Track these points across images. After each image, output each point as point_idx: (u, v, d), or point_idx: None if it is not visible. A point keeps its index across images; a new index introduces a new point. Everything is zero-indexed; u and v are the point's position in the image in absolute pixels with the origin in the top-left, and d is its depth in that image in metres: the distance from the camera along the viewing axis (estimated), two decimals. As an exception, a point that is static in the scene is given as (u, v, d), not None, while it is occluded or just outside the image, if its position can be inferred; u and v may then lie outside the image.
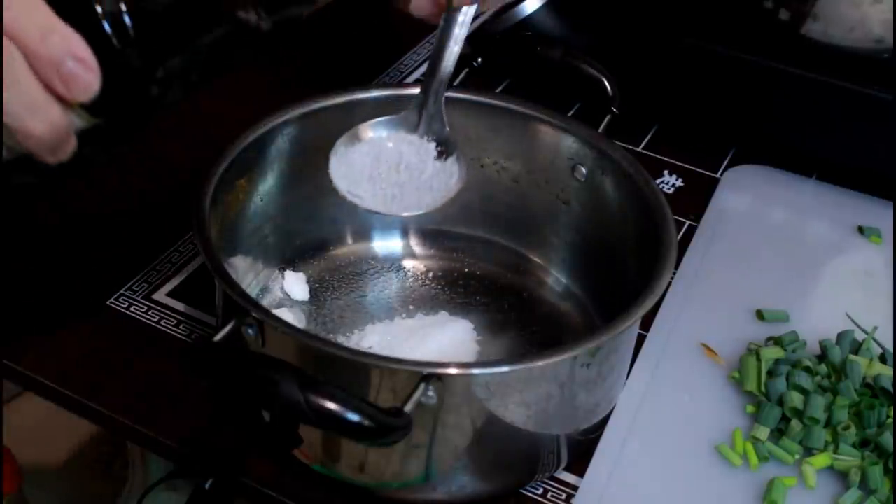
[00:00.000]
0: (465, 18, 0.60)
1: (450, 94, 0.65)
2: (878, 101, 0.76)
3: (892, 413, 0.59)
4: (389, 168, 0.61)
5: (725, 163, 0.84)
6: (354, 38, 0.97)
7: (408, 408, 0.46)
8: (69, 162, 0.45)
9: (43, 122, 0.42)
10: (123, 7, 0.43)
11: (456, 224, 0.70)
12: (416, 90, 0.65)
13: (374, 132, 0.62)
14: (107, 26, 0.42)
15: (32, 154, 0.43)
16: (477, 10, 0.61)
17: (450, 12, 0.60)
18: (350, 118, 0.65)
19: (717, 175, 0.83)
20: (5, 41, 0.40)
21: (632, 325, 0.53)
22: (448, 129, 0.62)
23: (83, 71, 0.41)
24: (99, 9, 0.42)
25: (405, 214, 0.61)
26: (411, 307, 0.66)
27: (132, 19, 0.43)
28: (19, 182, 0.71)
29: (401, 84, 0.88)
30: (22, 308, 0.65)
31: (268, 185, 0.63)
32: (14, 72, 0.40)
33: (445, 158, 0.62)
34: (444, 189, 0.61)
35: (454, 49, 0.61)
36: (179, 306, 0.66)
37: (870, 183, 0.81)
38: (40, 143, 0.42)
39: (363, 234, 0.70)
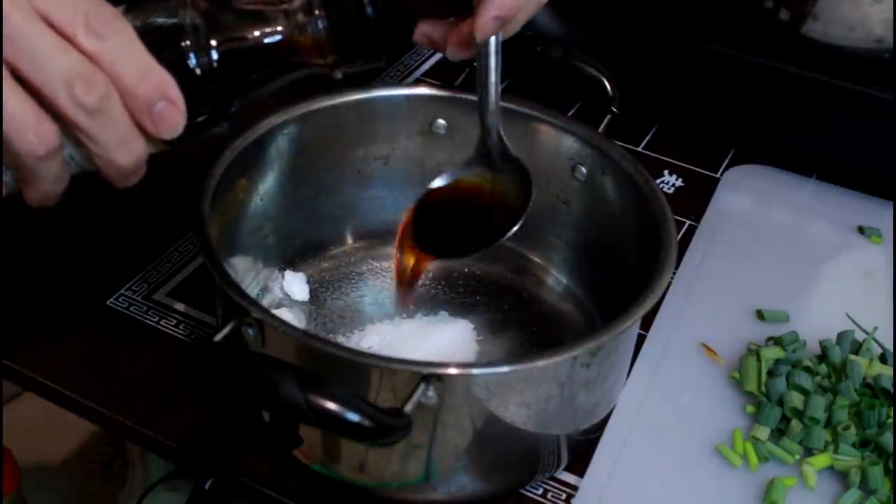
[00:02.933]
0: (495, 47, 0.59)
1: (450, 94, 0.66)
2: (878, 101, 0.76)
3: (892, 413, 0.59)
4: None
5: (725, 163, 0.84)
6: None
7: (408, 408, 0.46)
8: None
9: (128, 154, 0.44)
10: (214, 42, 0.46)
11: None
12: (418, 90, 0.66)
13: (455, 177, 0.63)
14: (193, 58, 0.45)
15: (102, 176, 0.46)
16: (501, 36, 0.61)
17: (481, 45, 0.60)
18: (351, 118, 0.65)
19: (717, 175, 0.83)
20: (105, 77, 0.42)
21: (632, 325, 0.53)
22: (510, 151, 0.61)
23: (172, 112, 0.44)
24: (187, 41, 0.45)
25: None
26: (411, 307, 0.66)
27: (219, 54, 0.46)
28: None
29: (402, 83, 0.88)
30: (22, 308, 0.65)
31: (268, 185, 0.63)
32: (110, 107, 0.42)
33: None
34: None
35: (497, 75, 0.60)
36: (179, 306, 0.66)
37: (870, 183, 0.81)
38: (121, 171, 0.45)
39: (363, 234, 0.70)
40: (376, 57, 0.50)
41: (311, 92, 0.64)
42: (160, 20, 0.45)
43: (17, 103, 0.41)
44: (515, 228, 0.61)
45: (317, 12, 0.47)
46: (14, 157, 0.43)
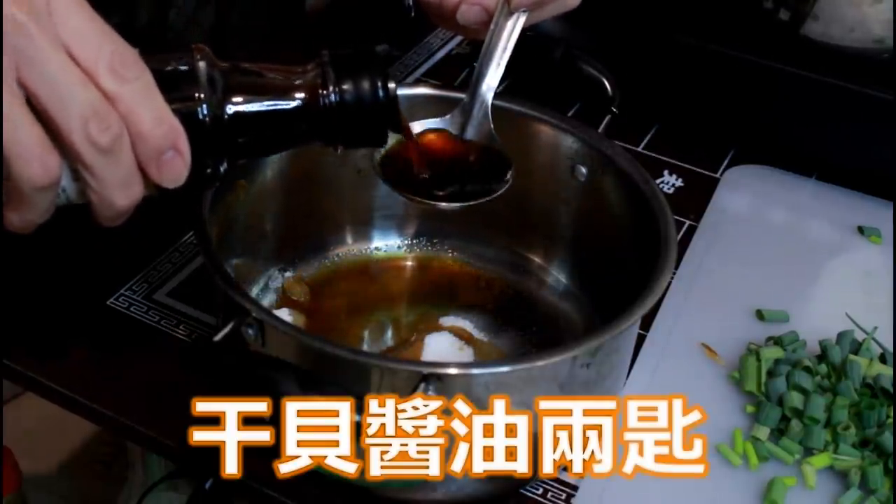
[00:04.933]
0: (516, 25, 0.60)
1: (449, 94, 0.65)
2: (878, 101, 0.76)
3: (892, 413, 0.59)
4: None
5: (725, 163, 0.84)
6: (356, 36, 0.97)
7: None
8: None
9: (126, 196, 0.44)
10: (227, 99, 0.46)
11: (456, 224, 0.70)
12: (418, 90, 0.66)
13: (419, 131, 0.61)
14: (204, 111, 0.45)
15: (90, 211, 0.45)
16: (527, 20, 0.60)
17: (500, 19, 0.60)
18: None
19: (717, 175, 0.83)
20: (120, 119, 0.42)
21: (632, 325, 0.53)
22: (494, 132, 0.61)
23: (178, 163, 0.44)
24: (201, 94, 0.45)
25: (443, 206, 0.60)
26: (411, 307, 0.66)
27: (230, 112, 0.46)
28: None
29: (402, 83, 0.88)
30: (22, 308, 0.65)
31: (268, 184, 0.63)
32: (120, 148, 0.43)
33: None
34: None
35: (503, 56, 0.60)
36: (179, 306, 0.66)
37: (870, 183, 0.81)
38: (114, 212, 0.45)
39: (363, 234, 0.70)
40: (379, 141, 0.50)
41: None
42: (177, 68, 0.45)
43: (28, 130, 0.41)
44: (475, 202, 0.59)
45: (331, 88, 0.47)
46: (11, 183, 0.42)
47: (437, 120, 0.61)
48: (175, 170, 0.44)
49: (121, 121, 0.42)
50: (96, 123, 0.41)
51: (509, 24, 0.60)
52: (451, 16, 0.61)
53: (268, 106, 0.47)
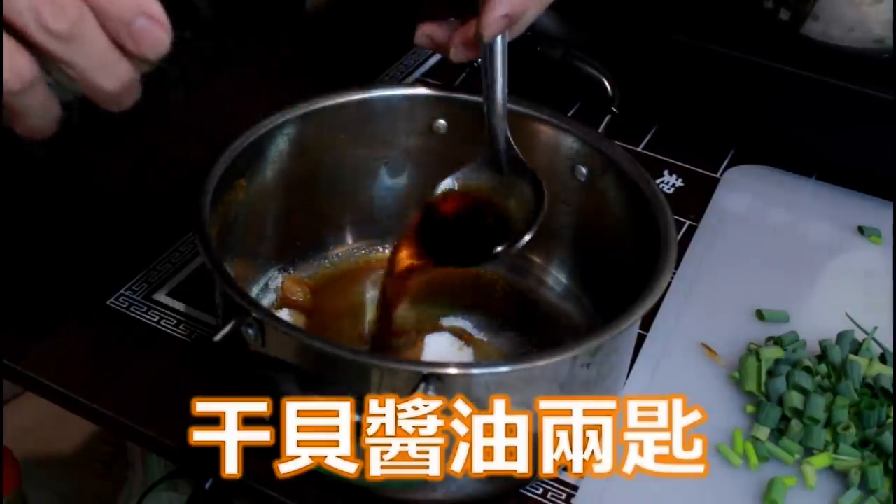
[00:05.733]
0: (501, 47, 0.59)
1: (449, 94, 0.66)
2: (878, 101, 0.76)
3: (892, 413, 0.59)
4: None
5: (725, 163, 0.84)
6: (355, 36, 0.97)
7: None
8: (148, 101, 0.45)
9: (111, 78, 0.42)
10: None
11: (456, 224, 0.70)
12: (418, 90, 0.66)
13: (462, 182, 0.62)
14: None
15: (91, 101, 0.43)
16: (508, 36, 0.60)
17: (485, 48, 0.60)
18: (351, 118, 0.65)
19: (717, 175, 0.83)
20: (76, 1, 0.40)
21: (632, 325, 0.53)
22: (520, 154, 0.61)
23: (153, 29, 0.41)
24: None
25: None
26: (411, 307, 0.66)
27: None
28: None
29: (402, 83, 0.88)
30: (22, 307, 0.65)
31: (268, 184, 0.63)
32: (84, 31, 0.40)
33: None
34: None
35: (501, 80, 0.60)
36: (179, 306, 0.66)
37: (870, 183, 0.81)
38: (108, 96, 0.43)
39: (363, 234, 0.70)
40: None
41: (311, 91, 0.64)
42: None
43: None
44: (525, 240, 0.60)
45: None
46: None
47: (469, 168, 0.62)
48: (153, 37, 0.41)
49: (79, 2, 0.40)
50: (50, 11, 0.39)
51: (497, 45, 0.59)
52: (445, 52, 0.62)
53: None
